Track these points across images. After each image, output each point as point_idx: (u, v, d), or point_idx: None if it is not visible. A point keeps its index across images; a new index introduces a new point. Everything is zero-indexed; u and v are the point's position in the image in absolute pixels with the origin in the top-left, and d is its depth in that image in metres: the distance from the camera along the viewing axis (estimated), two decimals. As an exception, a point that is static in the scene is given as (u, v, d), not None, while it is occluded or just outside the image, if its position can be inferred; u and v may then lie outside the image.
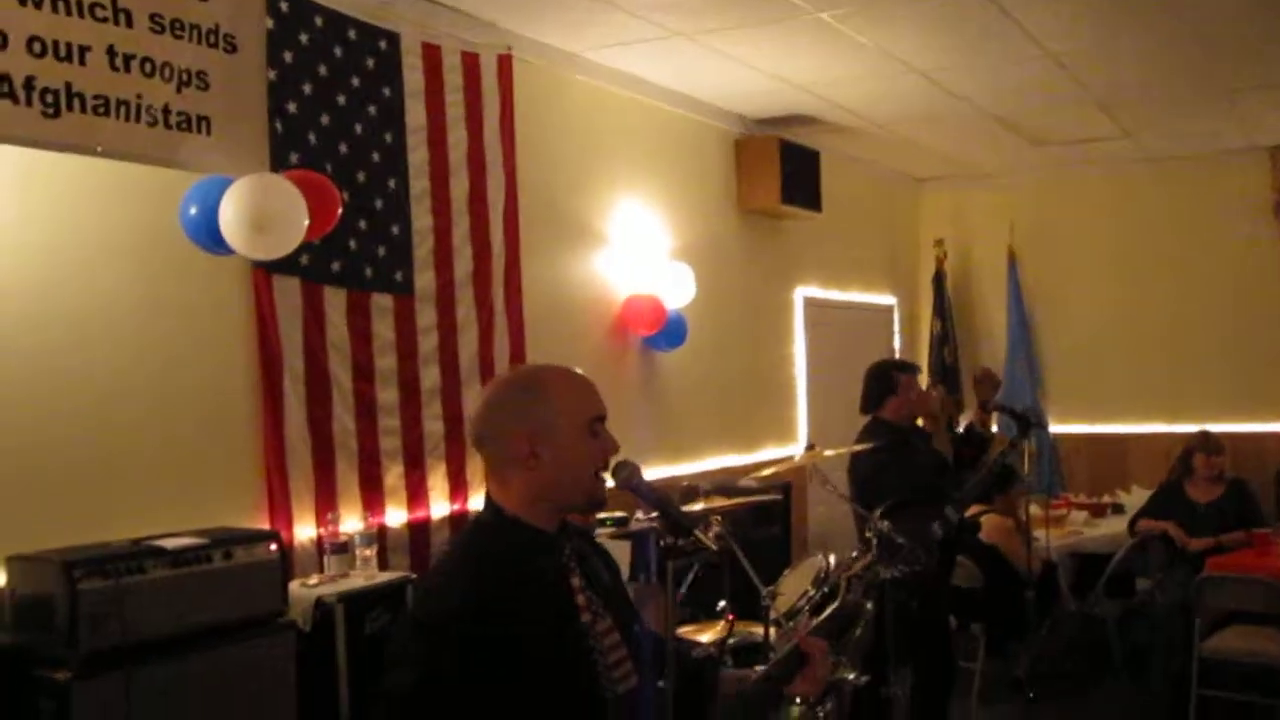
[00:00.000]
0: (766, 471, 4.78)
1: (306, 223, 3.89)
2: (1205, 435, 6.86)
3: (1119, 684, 6.77)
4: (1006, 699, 6.47)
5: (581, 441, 2.28)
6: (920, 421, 5.38)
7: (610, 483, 2.34)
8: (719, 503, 4.27)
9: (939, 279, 9.75)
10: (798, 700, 3.83)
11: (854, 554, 4.62)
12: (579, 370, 2.39)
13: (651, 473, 6.45)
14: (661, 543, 2.28)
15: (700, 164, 7.25)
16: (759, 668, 2.63)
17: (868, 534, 4.56)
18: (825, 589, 4.43)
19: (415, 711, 2.09)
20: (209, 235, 3.72)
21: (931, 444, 5.41)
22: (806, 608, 4.39)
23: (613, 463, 2.33)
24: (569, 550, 2.34)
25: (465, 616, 2.14)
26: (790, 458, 7.21)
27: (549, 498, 2.29)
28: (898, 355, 9.60)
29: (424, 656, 2.14)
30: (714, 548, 2.35)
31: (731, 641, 4.14)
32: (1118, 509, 8.02)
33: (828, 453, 4.66)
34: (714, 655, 2.58)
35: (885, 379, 5.31)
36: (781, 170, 7.41)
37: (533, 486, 2.28)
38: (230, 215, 3.67)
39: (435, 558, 5.06)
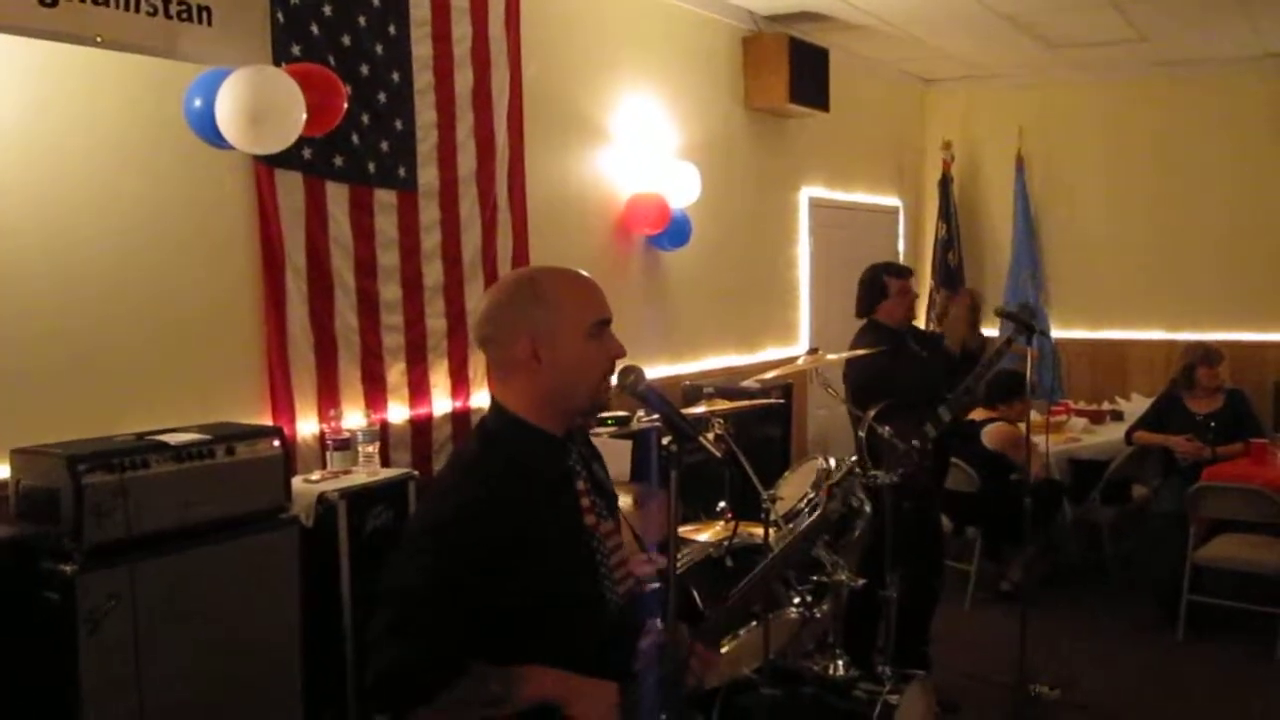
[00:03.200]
0: (769, 374, 4.78)
1: (304, 116, 3.83)
2: (1205, 348, 6.83)
3: (1112, 589, 6.85)
4: (998, 602, 6.57)
5: (583, 345, 2.27)
6: (936, 327, 5.37)
7: (614, 382, 2.33)
8: (721, 405, 4.26)
9: (945, 182, 9.69)
10: (795, 602, 3.90)
11: (852, 457, 4.64)
12: (584, 273, 2.37)
13: (654, 372, 6.43)
14: (664, 448, 2.26)
15: (707, 61, 7.14)
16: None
17: (860, 434, 4.58)
18: (848, 477, 4.46)
19: (419, 611, 2.11)
20: (213, 129, 3.66)
21: (942, 345, 5.41)
22: (806, 509, 4.43)
23: (618, 367, 2.32)
24: (575, 454, 2.34)
25: (470, 518, 2.15)
26: (793, 359, 7.21)
27: (551, 400, 2.29)
28: (901, 258, 9.57)
29: (428, 557, 2.15)
30: (717, 454, 2.34)
31: (733, 542, 4.16)
32: (1117, 416, 8.04)
33: (830, 356, 4.65)
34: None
35: (876, 283, 5.28)
36: (790, 68, 7.31)
37: (535, 388, 2.28)
38: (226, 108, 3.61)
39: (439, 457, 5.09)
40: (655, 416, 2.37)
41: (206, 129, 3.68)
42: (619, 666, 2.24)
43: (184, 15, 3.42)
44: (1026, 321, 5.17)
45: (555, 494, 2.27)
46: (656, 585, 2.36)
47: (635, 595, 2.34)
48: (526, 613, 2.16)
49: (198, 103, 3.68)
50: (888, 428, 4.46)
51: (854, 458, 4.61)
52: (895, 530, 4.37)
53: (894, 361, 5.03)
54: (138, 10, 3.28)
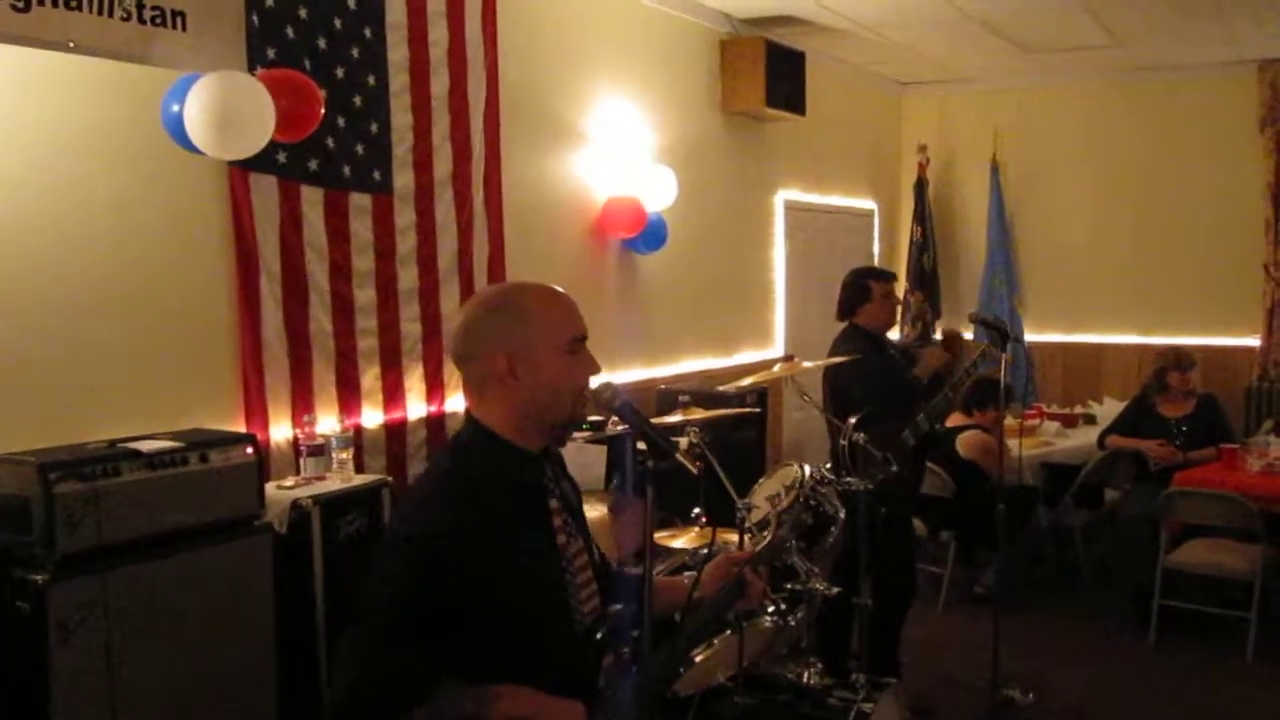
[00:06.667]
0: (745, 381, 4.78)
1: (272, 121, 3.79)
2: (1177, 353, 6.89)
3: (1084, 593, 6.88)
4: (971, 606, 6.59)
5: (560, 361, 2.28)
6: (910, 331, 5.39)
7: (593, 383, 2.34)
8: (697, 414, 4.26)
9: (920, 185, 9.71)
10: (769, 610, 3.91)
11: (827, 465, 4.64)
12: (560, 289, 2.37)
13: (629, 375, 6.47)
14: (640, 461, 2.26)
15: (684, 64, 7.14)
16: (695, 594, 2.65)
17: (842, 442, 4.57)
18: (799, 499, 4.46)
19: (386, 632, 2.11)
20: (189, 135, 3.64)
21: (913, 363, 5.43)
22: (774, 517, 4.43)
23: (594, 383, 2.33)
24: (549, 472, 2.34)
25: (444, 534, 2.15)
26: (768, 362, 7.22)
27: (528, 416, 2.29)
28: (876, 261, 9.60)
29: (401, 573, 2.15)
30: (694, 470, 2.35)
31: (708, 550, 4.16)
32: (1089, 419, 8.09)
33: (806, 364, 4.65)
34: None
35: (859, 287, 5.30)
36: (766, 72, 7.31)
37: (512, 405, 2.28)
38: (193, 114, 3.58)
39: (413, 462, 5.08)
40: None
41: (183, 135, 3.64)
42: (584, 686, 2.24)
43: (158, 20, 3.39)
44: (1001, 328, 5.20)
45: (528, 512, 2.27)
46: (619, 608, 2.35)
47: (600, 615, 2.34)
48: (496, 631, 2.15)
49: (175, 108, 3.65)
50: (864, 435, 4.47)
51: (828, 464, 4.62)
52: (869, 537, 4.38)
53: (873, 366, 5.04)
54: (111, 15, 3.25)
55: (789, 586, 3.98)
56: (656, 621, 2.57)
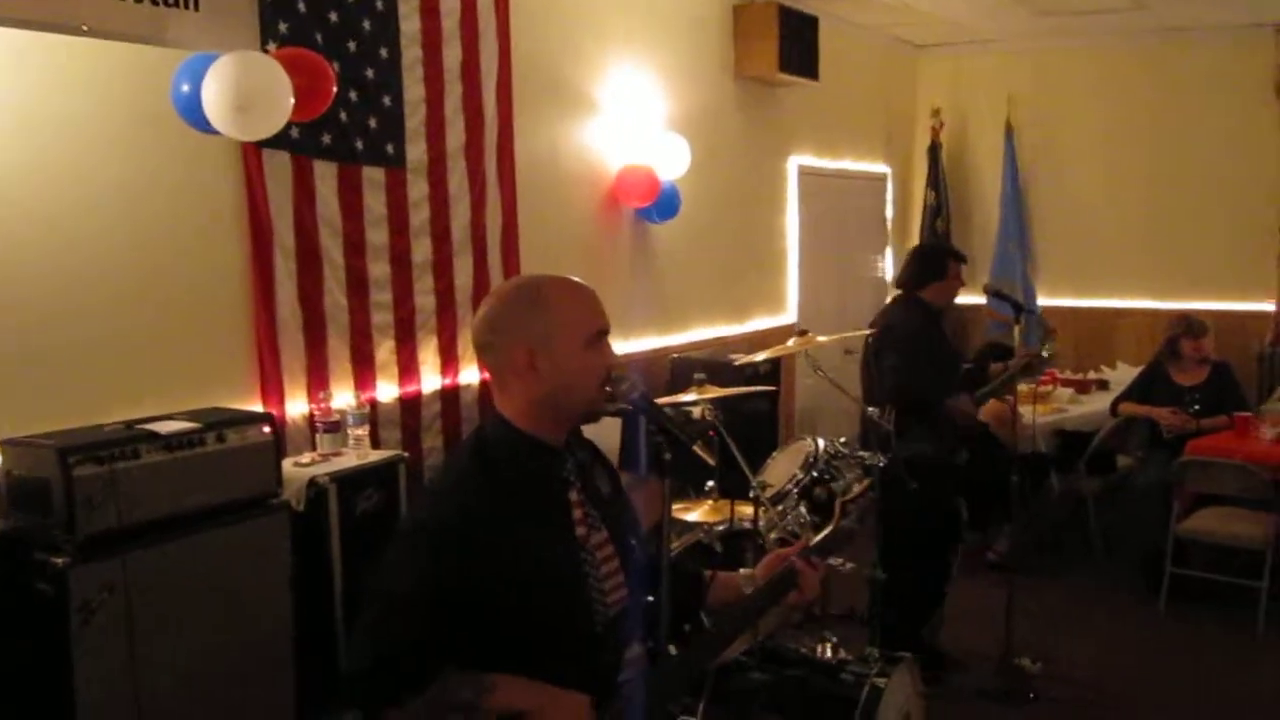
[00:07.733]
0: (760, 356, 4.78)
1: (291, 101, 3.78)
2: (1189, 320, 6.84)
3: (1096, 561, 6.90)
4: (984, 573, 6.61)
5: (580, 355, 2.28)
6: None
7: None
8: (712, 392, 4.26)
9: (934, 149, 9.66)
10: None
11: (841, 440, 4.65)
12: (583, 281, 2.37)
13: (642, 344, 6.48)
14: (659, 450, 2.27)
15: (696, 30, 7.09)
16: (745, 583, 2.67)
17: (886, 420, 4.56)
18: (814, 473, 4.48)
19: (399, 616, 2.13)
20: (201, 115, 3.62)
21: None
22: (794, 491, 4.45)
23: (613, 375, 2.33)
24: (571, 463, 2.35)
25: (457, 524, 2.17)
26: (781, 330, 7.23)
27: (547, 408, 2.30)
28: (890, 225, 9.59)
29: (416, 562, 2.17)
30: (711, 462, 2.37)
31: (723, 528, 4.18)
32: (1103, 385, 8.07)
33: (820, 339, 4.64)
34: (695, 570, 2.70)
35: (938, 263, 5.26)
36: (780, 37, 7.26)
37: (530, 397, 2.28)
38: (212, 97, 3.56)
39: (427, 435, 5.10)
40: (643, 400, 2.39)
41: (194, 114, 3.63)
42: (602, 678, 2.26)
43: (171, 0, 3.38)
44: (1016, 300, 5.20)
45: (547, 506, 2.28)
46: (650, 599, 2.37)
47: (625, 608, 2.35)
48: (510, 623, 2.17)
49: (185, 88, 3.64)
50: (892, 413, 4.48)
51: (842, 439, 4.63)
52: (904, 512, 4.40)
53: (942, 343, 5.05)
54: (124, -3, 3.24)
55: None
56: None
